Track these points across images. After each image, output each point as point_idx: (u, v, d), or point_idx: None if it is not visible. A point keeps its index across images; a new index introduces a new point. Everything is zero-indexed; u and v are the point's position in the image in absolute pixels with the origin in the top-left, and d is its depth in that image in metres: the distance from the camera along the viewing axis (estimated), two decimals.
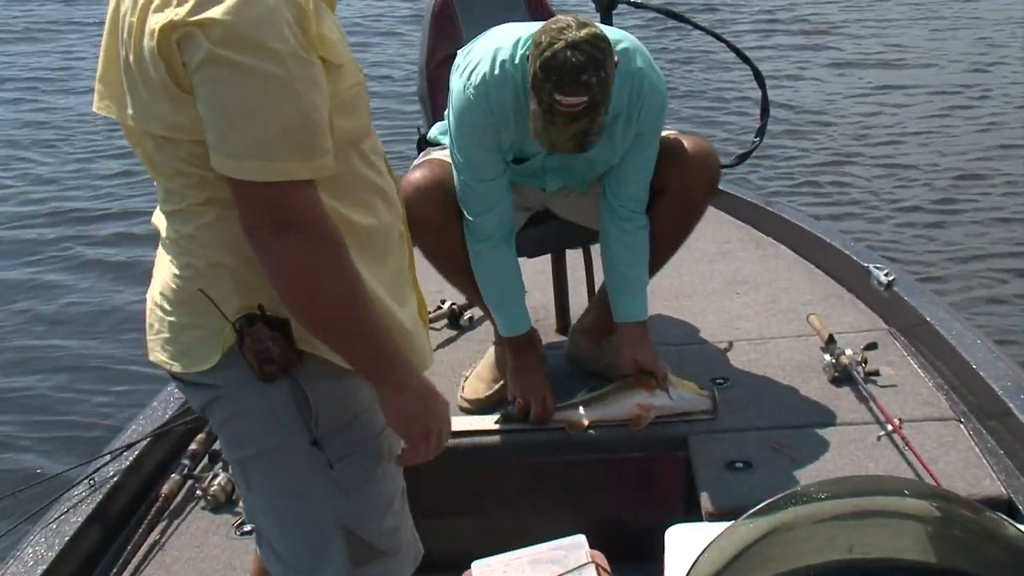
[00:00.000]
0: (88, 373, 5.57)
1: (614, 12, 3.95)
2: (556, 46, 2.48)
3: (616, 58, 2.61)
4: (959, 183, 7.24)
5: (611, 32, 2.74)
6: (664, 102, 2.83)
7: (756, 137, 4.10)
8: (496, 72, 2.71)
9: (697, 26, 4.16)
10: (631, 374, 3.02)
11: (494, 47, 2.74)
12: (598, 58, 2.51)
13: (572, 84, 2.48)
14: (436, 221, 2.86)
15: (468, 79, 2.74)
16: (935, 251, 6.25)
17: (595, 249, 3.34)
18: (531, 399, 2.97)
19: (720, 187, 4.50)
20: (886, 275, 3.57)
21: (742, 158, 4.22)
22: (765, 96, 4.02)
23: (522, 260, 3.09)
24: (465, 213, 2.87)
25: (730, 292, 3.87)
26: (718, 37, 4.08)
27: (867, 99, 9.34)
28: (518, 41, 2.71)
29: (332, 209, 1.71)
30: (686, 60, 10.51)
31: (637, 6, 4.06)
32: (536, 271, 3.55)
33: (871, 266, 3.65)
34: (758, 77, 3.99)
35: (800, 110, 9.03)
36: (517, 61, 2.69)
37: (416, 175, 2.92)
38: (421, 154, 3.17)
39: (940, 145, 8.03)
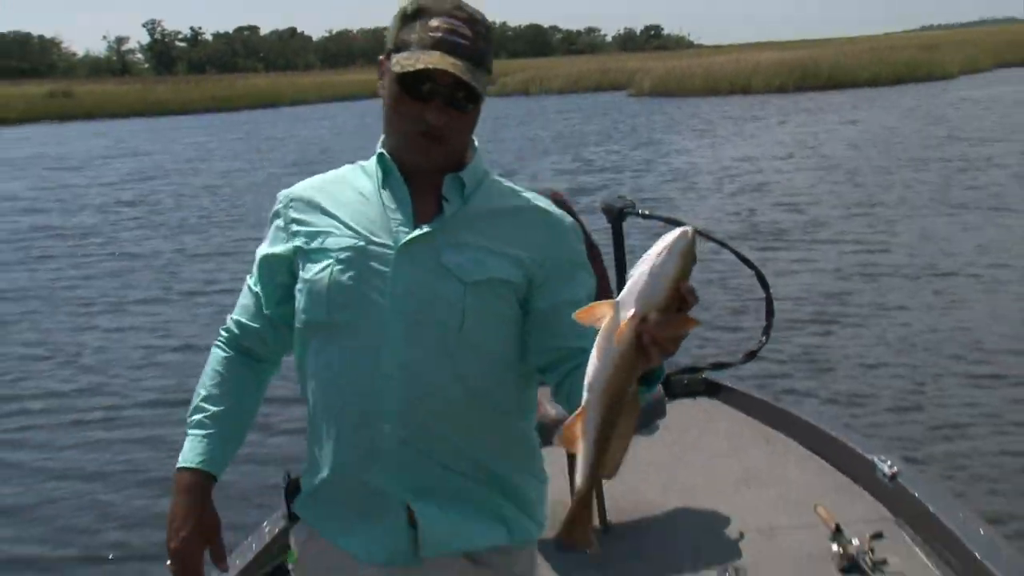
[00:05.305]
0: None
1: (623, 221, 4.14)
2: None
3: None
4: (966, 378, 7.31)
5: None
6: (576, 233, 2.01)
7: (763, 336, 4.20)
8: None
9: (704, 235, 4.30)
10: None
11: None
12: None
13: (455, 8, 1.89)
14: None
15: None
16: (940, 440, 6.26)
17: None
18: (174, 563, 1.96)
19: (729, 384, 4.70)
20: (890, 467, 3.62)
21: (750, 356, 4.31)
22: (769, 298, 4.15)
23: None
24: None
25: (741, 486, 3.90)
26: (723, 244, 4.23)
27: (878, 292, 9.62)
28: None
29: None
30: (697, 273, 10.75)
31: (645, 217, 4.24)
32: None
33: (875, 458, 3.69)
34: (762, 280, 4.12)
35: (805, 304, 9.37)
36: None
37: None
38: None
39: (947, 337, 8.19)
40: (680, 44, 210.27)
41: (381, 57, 1.93)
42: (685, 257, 1.51)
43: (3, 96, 59.80)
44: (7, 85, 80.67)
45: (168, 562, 1.89)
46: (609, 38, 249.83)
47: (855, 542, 3.23)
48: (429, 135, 1.86)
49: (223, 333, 2.10)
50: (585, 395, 1.59)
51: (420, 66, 1.80)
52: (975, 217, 13.37)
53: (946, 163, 18.70)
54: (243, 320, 2.08)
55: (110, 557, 5.55)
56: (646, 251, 1.52)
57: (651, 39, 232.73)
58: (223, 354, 2.08)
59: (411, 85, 1.84)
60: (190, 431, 1.99)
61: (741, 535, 3.49)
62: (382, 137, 1.97)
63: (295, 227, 1.98)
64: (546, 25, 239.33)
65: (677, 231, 1.53)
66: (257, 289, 2.05)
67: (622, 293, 1.54)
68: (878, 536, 3.30)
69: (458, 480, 1.89)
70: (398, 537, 1.89)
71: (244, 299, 2.09)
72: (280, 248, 2.00)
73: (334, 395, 1.90)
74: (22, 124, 51.57)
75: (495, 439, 1.93)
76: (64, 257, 14.48)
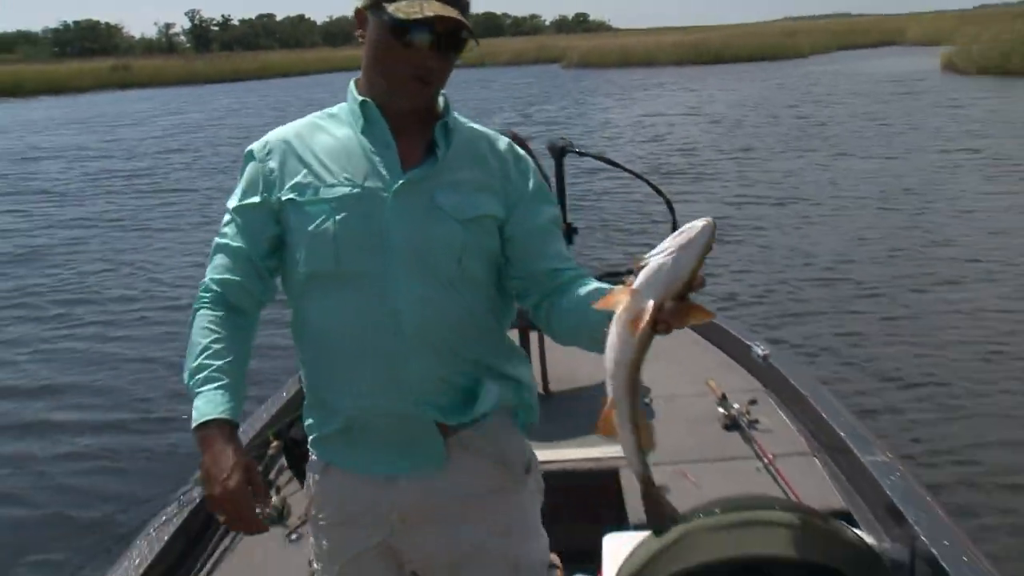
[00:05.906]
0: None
1: (563, 158, 3.86)
2: None
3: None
4: (814, 279, 7.41)
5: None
6: (535, 169, 1.69)
7: None
8: None
9: (624, 168, 4.18)
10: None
11: None
12: None
13: None
14: None
15: None
16: (796, 323, 6.40)
17: None
18: (225, 509, 1.46)
19: None
20: (763, 350, 3.60)
21: None
22: (674, 220, 4.01)
23: None
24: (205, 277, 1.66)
25: (651, 363, 3.79)
26: (639, 176, 4.07)
27: (751, 215, 9.58)
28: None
29: None
30: (619, 199, 10.76)
31: (580, 155, 4.08)
32: None
33: (753, 344, 3.67)
34: (669, 205, 3.97)
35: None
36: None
37: None
38: None
39: (802, 248, 8.24)
40: (602, 27, 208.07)
41: (359, 7, 1.56)
42: (706, 249, 1.21)
43: (76, 70, 57.99)
44: (79, 62, 78.30)
45: (218, 515, 1.46)
46: (548, 22, 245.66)
47: (736, 406, 3.21)
48: (422, 79, 1.52)
49: (204, 295, 1.62)
50: (609, 384, 1.33)
51: (429, 13, 1.46)
52: (822, 159, 13.43)
53: (800, 119, 18.69)
54: (226, 277, 1.61)
55: (164, 417, 5.49)
56: (667, 238, 1.22)
57: (580, 23, 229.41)
58: (212, 312, 1.60)
59: (408, 32, 1.49)
60: (199, 389, 1.51)
61: (650, 400, 3.45)
62: (353, 84, 1.61)
63: (276, 178, 1.58)
64: (499, 12, 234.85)
65: (700, 223, 1.21)
66: (239, 243, 1.60)
67: (640, 280, 1.25)
68: (753, 402, 3.29)
69: (471, 382, 1.62)
70: (431, 446, 1.60)
71: (221, 258, 1.62)
72: (262, 199, 1.59)
73: (349, 339, 1.54)
74: (91, 92, 50.05)
75: (491, 345, 1.64)
76: (127, 192, 14.10)
